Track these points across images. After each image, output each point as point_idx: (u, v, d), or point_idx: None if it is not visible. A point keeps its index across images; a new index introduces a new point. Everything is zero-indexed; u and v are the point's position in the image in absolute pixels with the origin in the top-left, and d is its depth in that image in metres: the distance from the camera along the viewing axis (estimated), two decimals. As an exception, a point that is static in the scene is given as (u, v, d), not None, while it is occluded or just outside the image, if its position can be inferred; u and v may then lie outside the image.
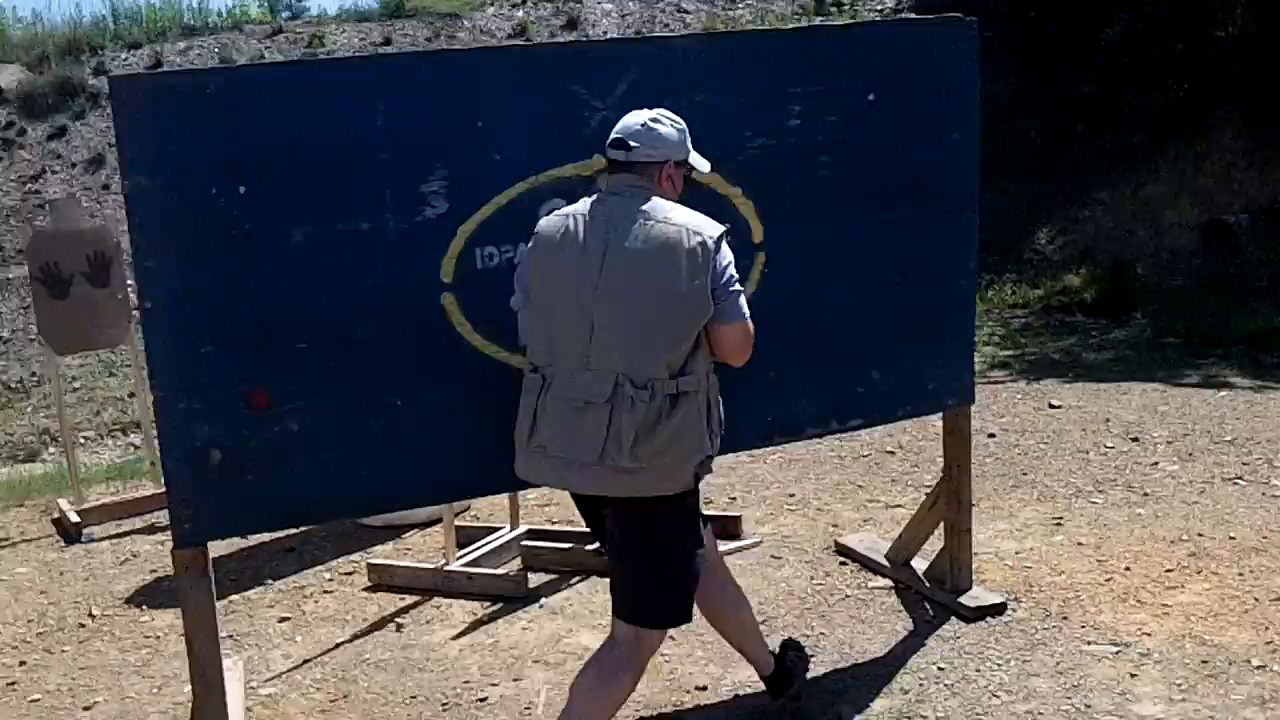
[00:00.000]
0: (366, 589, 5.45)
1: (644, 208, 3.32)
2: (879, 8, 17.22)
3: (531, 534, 5.75)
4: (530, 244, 3.49)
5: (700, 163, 3.55)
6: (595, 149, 3.78)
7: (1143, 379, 8.93)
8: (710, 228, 3.30)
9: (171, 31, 17.32)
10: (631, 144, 3.39)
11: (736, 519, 5.74)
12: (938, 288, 4.28)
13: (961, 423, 4.57)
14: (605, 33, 16.50)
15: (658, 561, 3.44)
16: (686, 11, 17.27)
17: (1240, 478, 6.07)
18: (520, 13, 17.27)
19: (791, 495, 6.25)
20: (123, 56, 16.57)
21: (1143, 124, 13.68)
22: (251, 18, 18.38)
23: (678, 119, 3.48)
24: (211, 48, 16.69)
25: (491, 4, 17.74)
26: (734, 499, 6.25)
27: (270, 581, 5.64)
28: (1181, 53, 13.49)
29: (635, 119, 3.44)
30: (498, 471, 3.91)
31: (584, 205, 3.42)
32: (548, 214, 3.53)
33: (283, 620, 5.18)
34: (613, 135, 3.44)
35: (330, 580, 5.62)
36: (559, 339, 3.34)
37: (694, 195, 3.81)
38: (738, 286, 3.34)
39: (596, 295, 3.27)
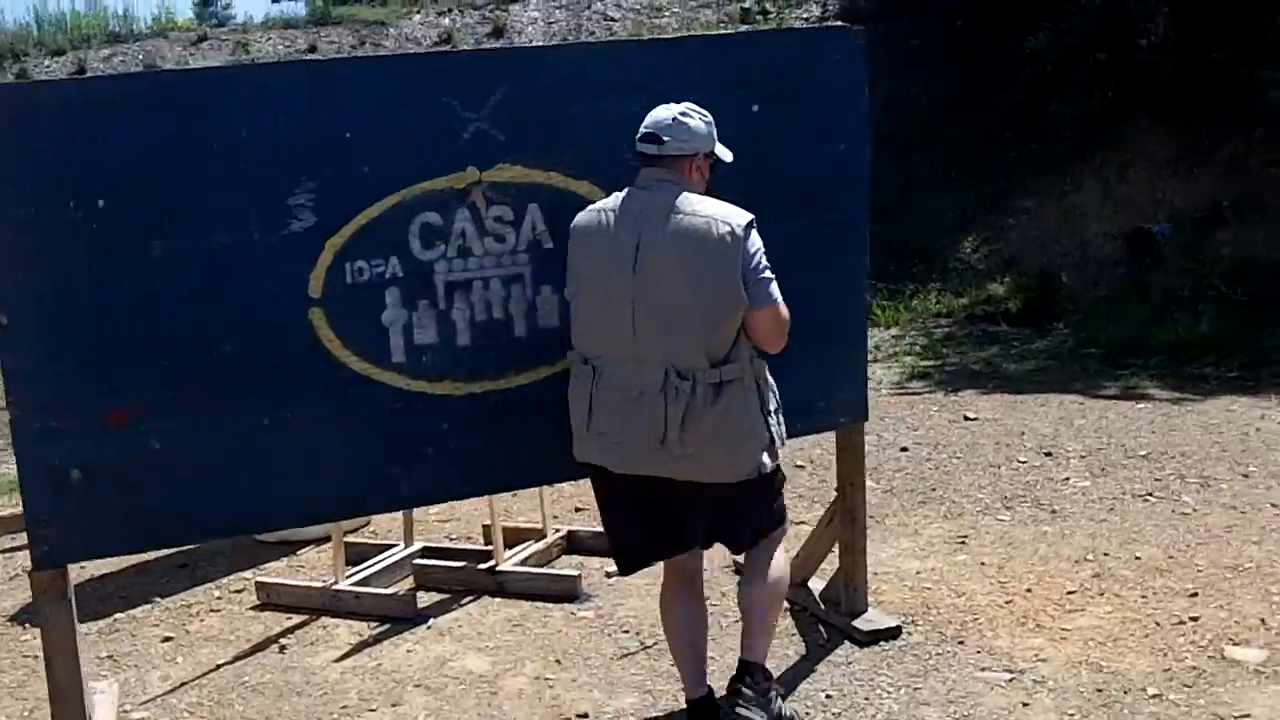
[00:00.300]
0: (254, 608, 5.28)
1: (675, 201, 3.45)
2: (805, 16, 17.18)
3: (426, 551, 5.60)
4: (569, 242, 3.62)
5: (725, 153, 3.67)
6: (469, 160, 3.70)
7: (1061, 390, 8.88)
8: (738, 216, 3.45)
9: (96, 38, 17.04)
10: (664, 138, 3.51)
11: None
12: (828, 302, 4.17)
13: (855, 439, 4.46)
14: (531, 41, 16.36)
15: (761, 507, 3.74)
16: (613, 20, 17.16)
17: (1151, 494, 6.01)
18: (446, 20, 17.10)
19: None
20: (45, 64, 16.28)
21: (1067, 132, 13.68)
22: (178, 24, 18.10)
23: (705, 112, 3.60)
24: (136, 54, 16.43)
25: (418, 12, 17.56)
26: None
27: (158, 599, 5.45)
28: (1105, 61, 13.52)
29: (665, 113, 3.54)
30: (373, 489, 3.83)
31: (615, 200, 3.55)
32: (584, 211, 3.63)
33: (165, 640, 5.00)
34: (643, 130, 3.54)
35: (219, 599, 5.44)
36: (603, 332, 3.52)
37: (573, 207, 3.72)
38: (768, 273, 3.49)
39: (634, 289, 3.43)
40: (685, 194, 3.48)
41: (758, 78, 3.96)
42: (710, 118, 3.59)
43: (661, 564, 3.88)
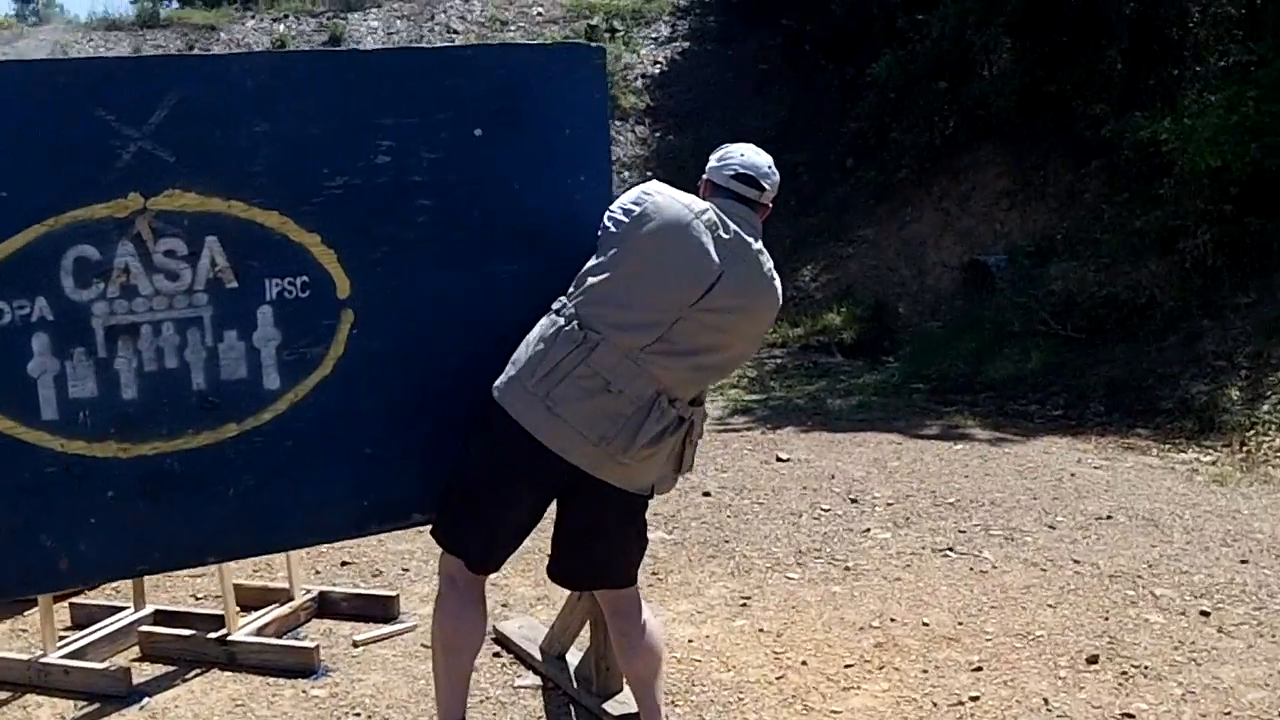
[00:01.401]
0: (-47, 684, 4.66)
1: (757, 250, 3.36)
2: (654, 35, 16.86)
3: (158, 616, 5.02)
4: (640, 211, 3.34)
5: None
6: (132, 185, 3.16)
7: (884, 428, 8.59)
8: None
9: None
10: (765, 186, 3.42)
11: (391, 599, 5.09)
12: (568, 351, 3.71)
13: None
14: (368, 51, 15.77)
15: (636, 537, 3.57)
16: (456, 32, 16.67)
17: (952, 549, 5.67)
18: (281, 26, 16.45)
19: (471, 566, 5.63)
20: None
21: (907, 161, 13.52)
22: (-6, 22, 17.18)
23: None
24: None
25: (252, 17, 16.88)
26: (406, 570, 5.60)
27: None
28: (945, 91, 13.36)
29: (762, 159, 3.45)
30: (23, 567, 3.29)
31: (707, 211, 3.34)
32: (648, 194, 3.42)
33: None
34: (740, 169, 3.41)
35: (-86, 672, 4.81)
36: (628, 319, 3.26)
37: (260, 241, 3.23)
38: None
39: (689, 312, 3.25)
40: (762, 246, 3.39)
41: (480, 98, 3.49)
42: None
43: (463, 572, 3.59)
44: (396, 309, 3.47)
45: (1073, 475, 7.00)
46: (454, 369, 3.57)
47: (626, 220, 3.37)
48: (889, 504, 6.45)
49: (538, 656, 4.47)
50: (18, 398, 3.13)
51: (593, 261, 3.39)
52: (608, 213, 3.44)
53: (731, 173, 3.42)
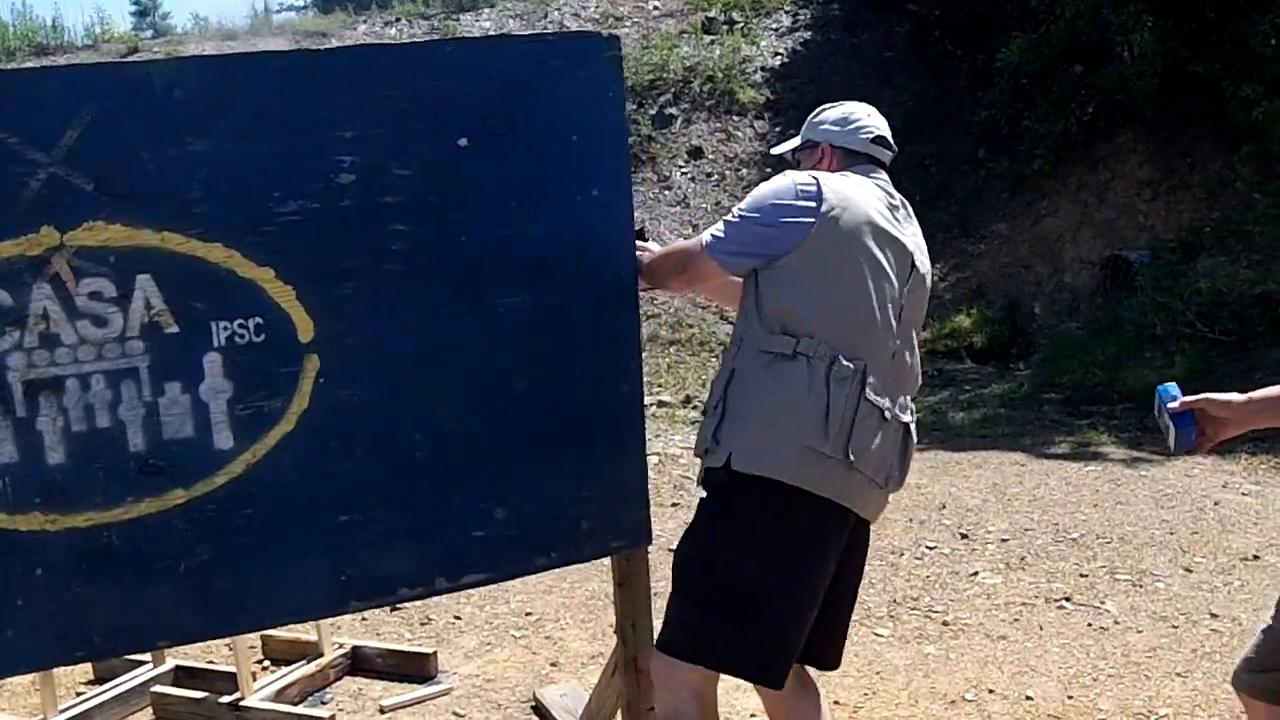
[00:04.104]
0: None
1: (913, 217, 3.02)
2: (775, 26, 16.20)
3: (179, 673, 4.60)
4: (820, 203, 2.78)
5: None
6: (43, 219, 2.70)
7: (1008, 445, 7.90)
8: None
9: (22, 51, 16.19)
10: (894, 147, 3.08)
11: (428, 657, 4.58)
12: (585, 397, 3.17)
13: (636, 569, 3.43)
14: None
15: None
16: (569, 30, 16.18)
17: (1069, 598, 4.98)
18: (392, 30, 16.18)
19: (529, 614, 5.11)
20: (-36, 75, 15.39)
21: (1042, 151, 12.66)
22: (115, 35, 17.20)
23: None
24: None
25: (363, 21, 16.66)
26: (458, 618, 5.10)
27: None
28: (1082, 75, 12.48)
29: (882, 119, 3.10)
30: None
31: (877, 189, 2.93)
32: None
33: None
34: (877, 132, 3.04)
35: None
36: (873, 329, 2.80)
37: (203, 278, 2.76)
38: None
39: (901, 294, 2.86)
40: None
41: (465, 102, 2.96)
42: None
43: (711, 684, 3.00)
44: (371, 353, 2.95)
45: (1216, 504, 6.24)
46: (447, 420, 3.05)
47: (813, 223, 2.78)
48: (1003, 540, 5.77)
49: (575, 733, 3.94)
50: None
51: (786, 282, 2.80)
52: (764, 227, 2.83)
53: (870, 135, 3.04)
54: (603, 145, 3.11)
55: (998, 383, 9.94)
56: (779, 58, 15.57)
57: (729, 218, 2.91)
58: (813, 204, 2.79)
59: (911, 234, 2.95)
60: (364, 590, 3.11)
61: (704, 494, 2.91)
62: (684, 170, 14.20)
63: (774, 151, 3.41)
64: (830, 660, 3.10)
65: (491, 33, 16.22)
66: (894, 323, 2.83)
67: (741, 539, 2.81)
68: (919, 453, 7.58)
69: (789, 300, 2.78)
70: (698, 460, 3.01)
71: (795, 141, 3.18)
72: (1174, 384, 2.77)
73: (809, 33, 15.91)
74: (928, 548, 5.72)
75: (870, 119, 3.06)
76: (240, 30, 16.29)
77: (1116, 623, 4.70)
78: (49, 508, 2.81)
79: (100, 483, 2.83)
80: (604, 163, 3.11)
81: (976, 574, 5.33)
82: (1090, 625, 4.69)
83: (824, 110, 3.14)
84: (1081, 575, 5.24)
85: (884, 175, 3.02)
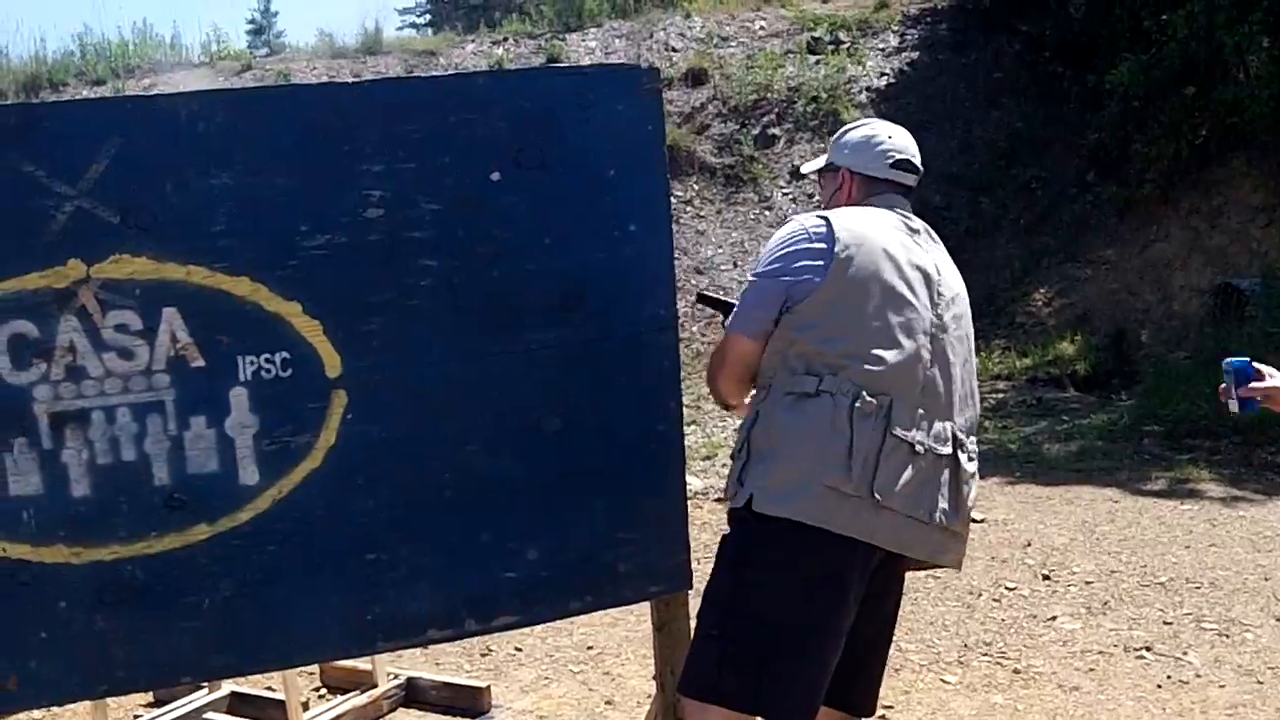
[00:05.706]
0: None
1: (936, 239, 2.95)
2: (881, 47, 15.99)
3: (233, 700, 4.60)
4: (833, 244, 2.75)
5: None
6: (70, 251, 2.70)
7: (1102, 480, 7.63)
8: None
9: (141, 68, 16.57)
10: (919, 168, 3.02)
11: (481, 691, 4.52)
12: (620, 437, 3.09)
13: (675, 614, 3.34)
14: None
15: None
16: (674, 50, 16.17)
17: (1150, 648, 4.76)
18: (500, 50, 16.26)
19: (590, 647, 5.04)
20: (84, 93, 15.79)
21: (1152, 174, 12.31)
22: (230, 53, 17.54)
23: None
24: (177, 85, 15.84)
25: (472, 40, 16.77)
26: (519, 649, 5.04)
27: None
28: (1194, 97, 12.11)
29: (909, 138, 3.03)
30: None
31: (894, 217, 2.89)
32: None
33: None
34: (899, 156, 2.97)
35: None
36: (898, 362, 2.72)
37: (229, 312, 2.74)
38: None
39: (935, 328, 2.79)
40: None
41: (497, 135, 2.90)
42: None
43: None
44: (399, 389, 2.91)
45: (1317, 549, 5.97)
46: (477, 457, 3.00)
47: (827, 265, 2.74)
48: (1087, 583, 5.56)
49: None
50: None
51: (808, 324, 2.73)
52: (778, 279, 2.79)
53: (892, 160, 2.97)
54: (641, 179, 3.04)
55: (1098, 413, 9.64)
56: (885, 78, 15.36)
57: (746, 283, 2.87)
58: (824, 245, 2.76)
59: (935, 256, 2.88)
60: (391, 630, 3.07)
61: (726, 533, 2.85)
62: (785, 191, 14.07)
63: (802, 170, 3.35)
64: (863, 705, 3.00)
65: (596, 52, 16.25)
66: (926, 352, 2.75)
67: (761, 578, 2.74)
68: (1009, 487, 7.51)
69: (811, 341, 2.72)
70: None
71: (821, 161, 3.10)
72: (1243, 358, 2.79)
73: (916, 53, 15.68)
74: (1007, 588, 5.53)
75: (894, 140, 3.00)
76: (350, 49, 16.44)
77: (1198, 676, 4.49)
78: (73, 540, 2.81)
79: (125, 516, 2.82)
80: (641, 197, 3.04)
81: (1055, 618, 5.13)
82: (1169, 678, 4.48)
83: (848, 130, 3.07)
84: (1165, 623, 5.03)
85: (905, 201, 2.97)
